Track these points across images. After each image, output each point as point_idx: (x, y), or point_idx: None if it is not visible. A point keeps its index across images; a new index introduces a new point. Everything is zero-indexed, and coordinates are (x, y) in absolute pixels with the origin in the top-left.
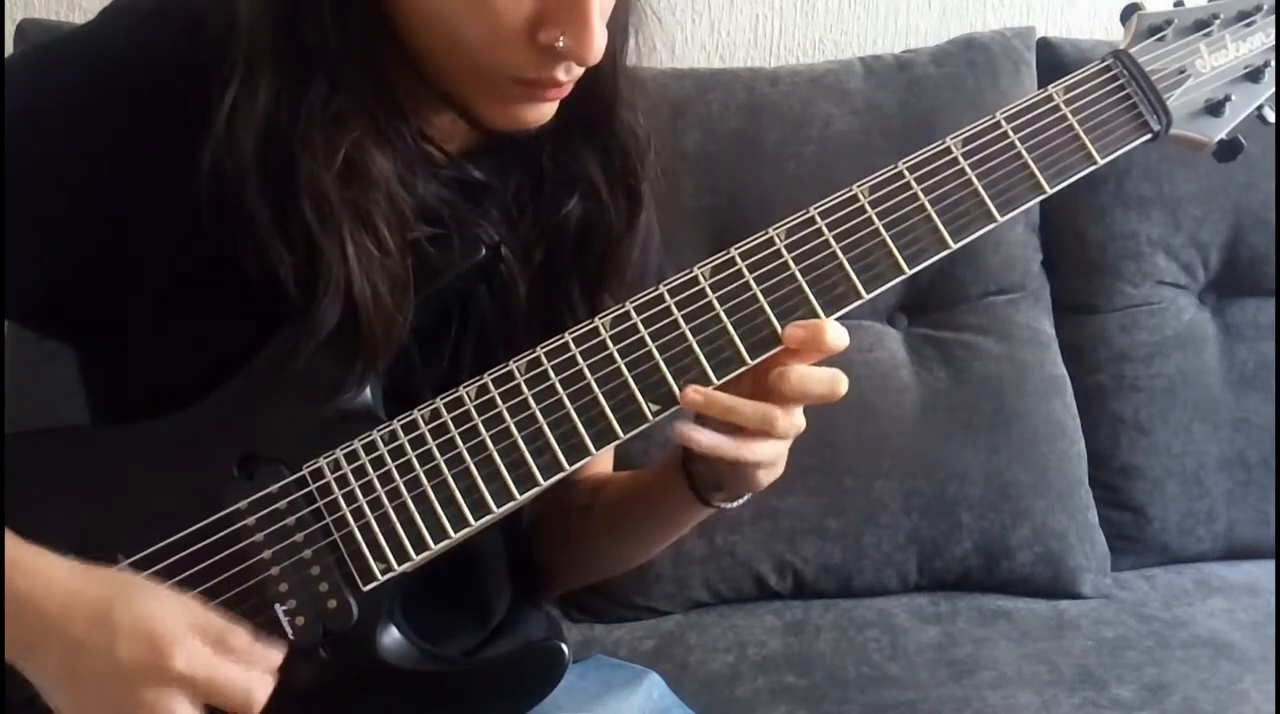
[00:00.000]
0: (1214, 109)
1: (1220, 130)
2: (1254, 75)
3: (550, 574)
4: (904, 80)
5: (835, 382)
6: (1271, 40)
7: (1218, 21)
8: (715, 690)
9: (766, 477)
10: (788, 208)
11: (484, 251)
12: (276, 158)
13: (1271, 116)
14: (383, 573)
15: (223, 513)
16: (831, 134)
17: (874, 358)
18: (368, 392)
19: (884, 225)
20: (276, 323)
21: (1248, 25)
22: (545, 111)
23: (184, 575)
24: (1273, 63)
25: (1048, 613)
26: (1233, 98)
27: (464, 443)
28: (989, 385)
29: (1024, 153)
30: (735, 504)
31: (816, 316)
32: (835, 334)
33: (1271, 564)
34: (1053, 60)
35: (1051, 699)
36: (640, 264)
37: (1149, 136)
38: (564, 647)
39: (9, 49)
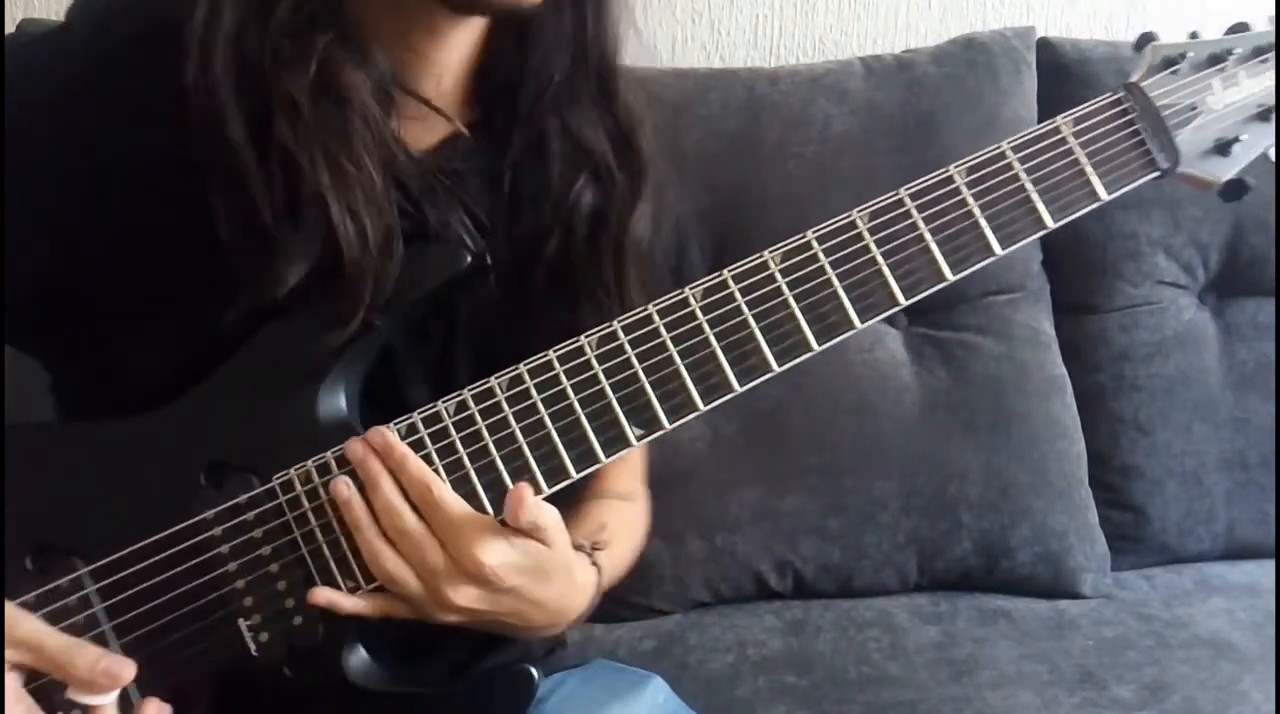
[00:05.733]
0: (1223, 148)
1: (1228, 171)
2: (1265, 115)
3: None
4: (904, 80)
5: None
6: None
7: (1233, 57)
8: (715, 691)
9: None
10: (788, 208)
11: (468, 260)
12: (249, 72)
13: (1274, 154)
14: (350, 591)
15: (188, 522)
16: (831, 134)
17: (874, 358)
18: (343, 402)
19: (882, 254)
20: (253, 322)
21: (1264, 62)
22: None
23: (146, 585)
24: None
25: (1048, 613)
26: (1243, 138)
27: (440, 460)
28: (989, 385)
29: (1028, 185)
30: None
31: (808, 345)
32: (523, 509)
33: (1271, 564)
34: (1053, 60)
35: (1051, 699)
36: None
37: (1156, 174)
38: (533, 670)
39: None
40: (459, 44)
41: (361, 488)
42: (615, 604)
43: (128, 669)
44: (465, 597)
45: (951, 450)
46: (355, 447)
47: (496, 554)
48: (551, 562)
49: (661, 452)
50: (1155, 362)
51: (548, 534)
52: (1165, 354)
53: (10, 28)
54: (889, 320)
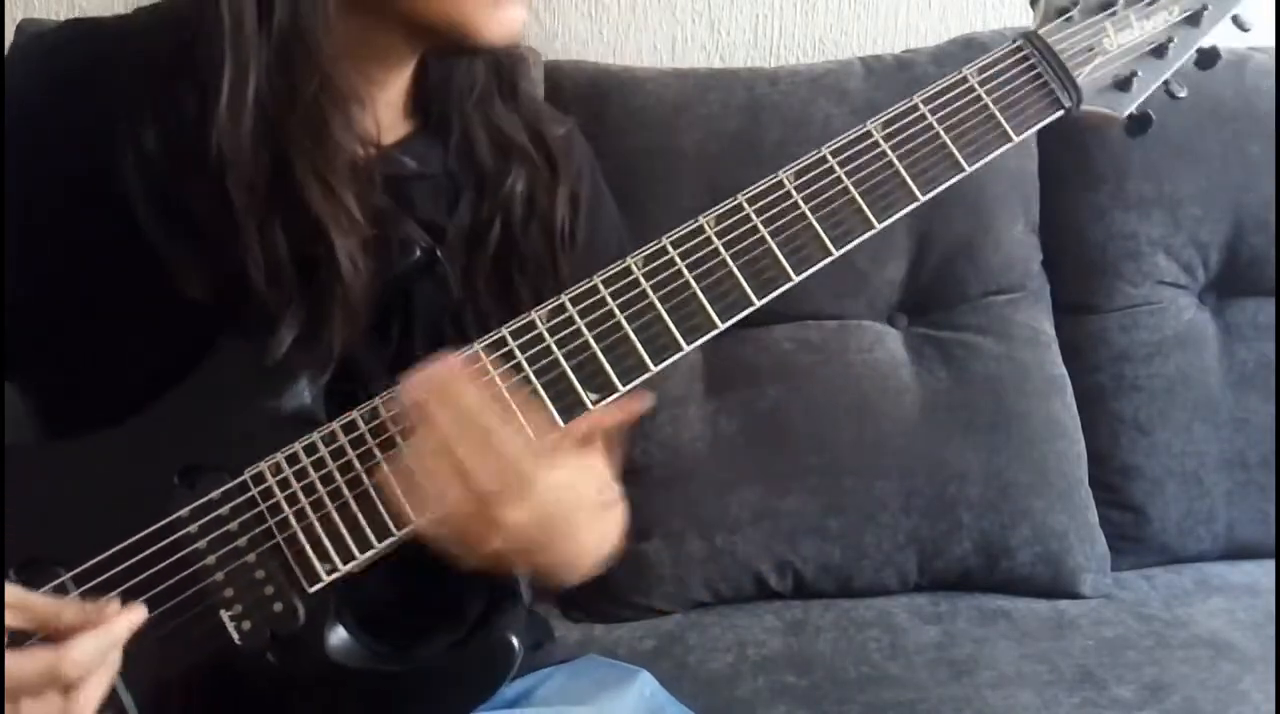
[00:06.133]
0: (1122, 85)
1: (1129, 105)
2: (1159, 51)
3: None
4: (904, 80)
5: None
6: (1174, 18)
7: (1121, 1)
8: (715, 690)
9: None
10: None
11: (418, 253)
12: (268, 128)
13: (1180, 92)
14: (328, 573)
15: (164, 521)
16: (831, 134)
17: (874, 358)
18: (306, 394)
19: (810, 208)
20: (213, 331)
21: (1151, 4)
22: (523, 15)
23: (127, 585)
24: (1175, 40)
25: (1048, 613)
26: (1139, 73)
27: (403, 441)
28: (989, 385)
29: (942, 133)
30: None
31: (749, 299)
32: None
33: (1271, 564)
34: None
35: (1051, 699)
36: (600, 247)
37: (1060, 113)
38: (513, 638)
39: (9, 49)
40: (408, 68)
41: (419, 414)
42: (615, 604)
43: (113, 605)
44: (515, 517)
45: (951, 450)
46: (413, 381)
47: (547, 473)
48: (593, 487)
49: (661, 451)
50: (1155, 362)
51: (593, 459)
52: (1165, 354)
53: (10, 28)
54: (889, 320)
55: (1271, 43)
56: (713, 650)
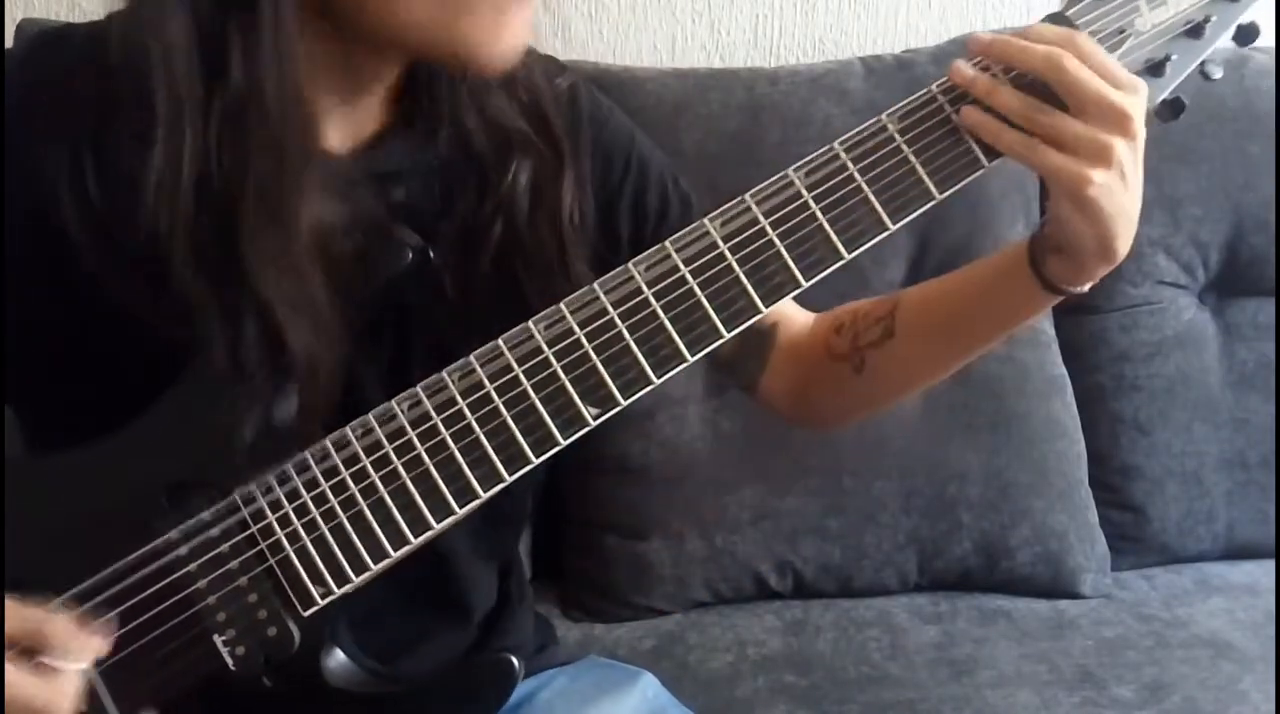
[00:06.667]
0: (1155, 69)
1: (1162, 91)
2: (1195, 31)
3: (838, 419)
4: (904, 80)
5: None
6: None
7: None
8: (715, 690)
9: (1093, 212)
10: None
11: (409, 257)
12: (211, 210)
13: (1216, 73)
14: (322, 597)
15: (154, 544)
16: (831, 134)
17: None
18: (296, 404)
19: (821, 210)
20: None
21: None
22: (524, 32)
23: (118, 610)
24: (1213, 18)
25: (1048, 613)
26: (1174, 56)
27: (398, 458)
28: (989, 385)
29: (960, 128)
30: (1079, 287)
31: (755, 307)
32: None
33: (1271, 564)
34: None
35: (1051, 699)
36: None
37: None
38: (514, 659)
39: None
40: (389, 79)
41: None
42: (615, 604)
43: (100, 640)
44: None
45: (951, 450)
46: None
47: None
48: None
49: (661, 451)
50: (1155, 362)
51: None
52: (1165, 354)
53: (10, 28)
54: None
55: (1272, 43)
56: (713, 650)
